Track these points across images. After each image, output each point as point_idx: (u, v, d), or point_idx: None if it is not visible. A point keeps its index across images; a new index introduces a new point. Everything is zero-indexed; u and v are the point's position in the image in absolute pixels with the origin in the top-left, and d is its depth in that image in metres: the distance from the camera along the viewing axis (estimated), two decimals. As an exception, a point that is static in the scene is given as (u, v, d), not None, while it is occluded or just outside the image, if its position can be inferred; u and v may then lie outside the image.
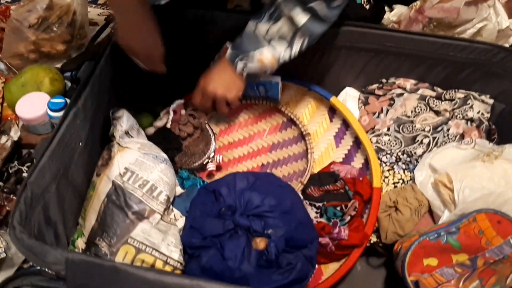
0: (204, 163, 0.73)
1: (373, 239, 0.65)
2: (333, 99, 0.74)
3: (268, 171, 0.75)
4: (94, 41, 1.00)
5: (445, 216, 0.61)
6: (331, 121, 0.76)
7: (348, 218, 0.64)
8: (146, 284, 0.43)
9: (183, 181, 0.69)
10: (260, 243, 0.56)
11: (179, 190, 0.64)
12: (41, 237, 0.52)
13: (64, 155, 0.57)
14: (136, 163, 0.57)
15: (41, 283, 0.47)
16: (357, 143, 0.72)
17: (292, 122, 0.76)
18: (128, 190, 0.53)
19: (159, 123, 0.75)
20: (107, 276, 0.44)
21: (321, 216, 0.66)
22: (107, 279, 0.44)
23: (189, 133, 0.76)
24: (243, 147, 0.78)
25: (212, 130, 0.76)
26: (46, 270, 0.47)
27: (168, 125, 0.75)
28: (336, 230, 0.61)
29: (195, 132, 0.76)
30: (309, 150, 0.72)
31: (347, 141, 0.74)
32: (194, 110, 0.76)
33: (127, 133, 0.62)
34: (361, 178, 0.67)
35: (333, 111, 0.76)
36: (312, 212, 0.66)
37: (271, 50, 0.62)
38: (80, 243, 0.56)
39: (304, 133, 0.73)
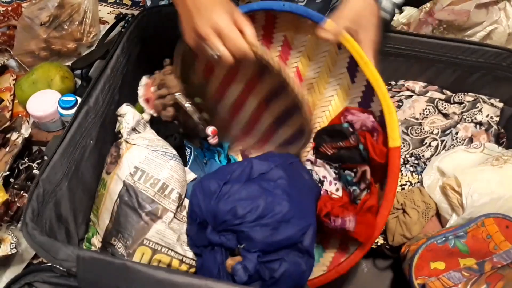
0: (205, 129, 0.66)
1: (380, 241, 0.65)
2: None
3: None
4: (104, 39, 1.01)
5: (453, 220, 0.61)
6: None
7: (363, 186, 0.56)
8: (156, 282, 0.43)
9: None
10: (230, 265, 0.50)
11: (191, 176, 0.62)
12: (53, 234, 0.53)
13: (75, 153, 0.58)
14: (146, 161, 0.58)
15: (52, 280, 0.48)
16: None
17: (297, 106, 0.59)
18: (140, 190, 0.53)
19: (146, 117, 0.68)
20: (118, 273, 0.45)
21: (339, 179, 0.60)
22: (117, 277, 0.45)
23: (174, 115, 0.67)
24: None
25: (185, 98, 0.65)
26: (57, 266, 0.48)
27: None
28: (339, 221, 0.54)
29: (180, 110, 0.67)
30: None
31: (361, 77, 0.59)
32: (159, 87, 0.66)
33: (134, 129, 0.63)
34: (375, 137, 0.55)
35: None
36: (331, 173, 0.60)
37: None
38: (96, 241, 0.57)
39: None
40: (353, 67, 0.60)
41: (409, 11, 0.96)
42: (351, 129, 0.57)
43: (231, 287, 0.44)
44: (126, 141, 0.61)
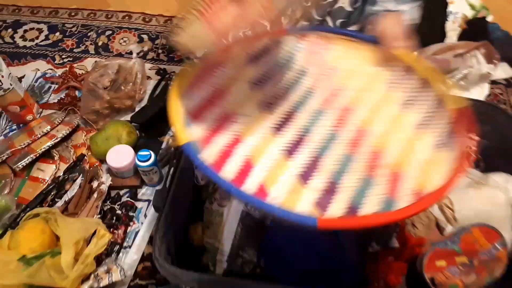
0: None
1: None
2: None
3: None
4: (153, 94, 1.21)
5: (449, 229, 0.84)
6: None
7: (394, 235, 0.82)
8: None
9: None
10: None
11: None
12: (174, 261, 0.74)
13: (178, 201, 0.79)
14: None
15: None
16: None
17: None
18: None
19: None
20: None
21: (369, 238, 0.83)
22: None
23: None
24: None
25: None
26: (183, 286, 0.69)
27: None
28: None
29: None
30: None
31: None
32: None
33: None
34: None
35: None
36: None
37: None
38: (220, 257, 0.79)
39: None
40: None
41: (400, 58, 1.19)
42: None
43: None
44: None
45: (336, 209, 0.52)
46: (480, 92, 1.15)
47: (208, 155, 0.56)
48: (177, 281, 0.69)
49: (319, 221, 0.46)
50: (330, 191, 0.54)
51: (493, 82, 1.22)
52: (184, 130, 0.57)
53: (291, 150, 0.60)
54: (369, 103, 0.66)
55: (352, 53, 0.71)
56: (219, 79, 0.66)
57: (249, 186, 0.54)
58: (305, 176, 0.56)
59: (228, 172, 0.55)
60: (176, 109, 0.59)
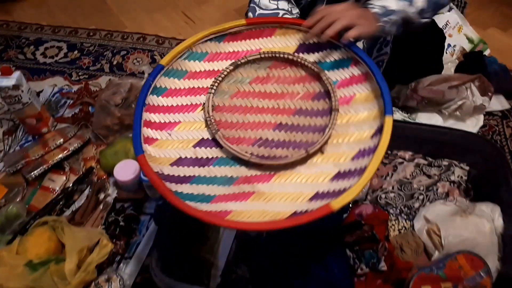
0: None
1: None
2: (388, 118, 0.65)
3: (283, 131, 0.73)
4: (161, 113, 1.27)
5: (435, 255, 0.87)
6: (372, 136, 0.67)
7: (382, 258, 0.86)
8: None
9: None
10: None
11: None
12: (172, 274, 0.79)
13: (177, 216, 0.83)
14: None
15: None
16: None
17: (327, 94, 0.73)
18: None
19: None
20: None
21: (359, 260, 0.88)
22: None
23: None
24: (270, 100, 0.76)
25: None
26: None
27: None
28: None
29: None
30: (329, 125, 0.69)
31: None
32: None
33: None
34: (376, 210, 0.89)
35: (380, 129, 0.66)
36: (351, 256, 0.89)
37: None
38: (214, 271, 0.84)
39: (333, 107, 0.70)
40: None
41: (399, 87, 1.23)
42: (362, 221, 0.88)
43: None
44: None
45: None
46: (475, 123, 1.19)
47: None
48: (171, 292, 0.73)
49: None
50: None
51: (489, 114, 1.26)
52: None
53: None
54: None
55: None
56: None
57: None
58: None
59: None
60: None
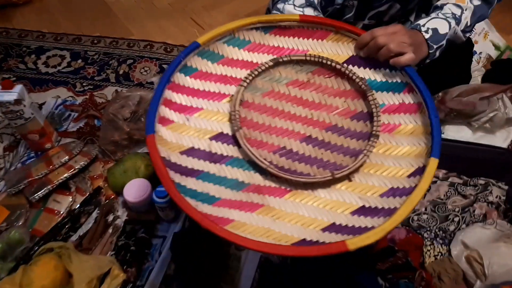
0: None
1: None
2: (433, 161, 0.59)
3: (311, 146, 0.66)
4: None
5: (477, 286, 0.80)
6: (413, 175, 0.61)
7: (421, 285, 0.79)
8: None
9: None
10: None
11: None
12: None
13: (194, 244, 0.76)
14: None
15: None
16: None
17: (370, 116, 0.67)
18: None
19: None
20: None
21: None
22: None
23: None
24: (304, 108, 0.69)
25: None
26: None
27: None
28: None
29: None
30: (364, 151, 0.63)
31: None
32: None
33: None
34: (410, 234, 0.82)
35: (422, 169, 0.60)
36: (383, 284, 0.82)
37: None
38: None
39: (373, 133, 0.64)
40: None
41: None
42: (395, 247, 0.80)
43: None
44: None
45: None
46: (506, 136, 1.12)
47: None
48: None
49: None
50: None
51: (520, 126, 1.19)
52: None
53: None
54: None
55: None
56: None
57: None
58: None
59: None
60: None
